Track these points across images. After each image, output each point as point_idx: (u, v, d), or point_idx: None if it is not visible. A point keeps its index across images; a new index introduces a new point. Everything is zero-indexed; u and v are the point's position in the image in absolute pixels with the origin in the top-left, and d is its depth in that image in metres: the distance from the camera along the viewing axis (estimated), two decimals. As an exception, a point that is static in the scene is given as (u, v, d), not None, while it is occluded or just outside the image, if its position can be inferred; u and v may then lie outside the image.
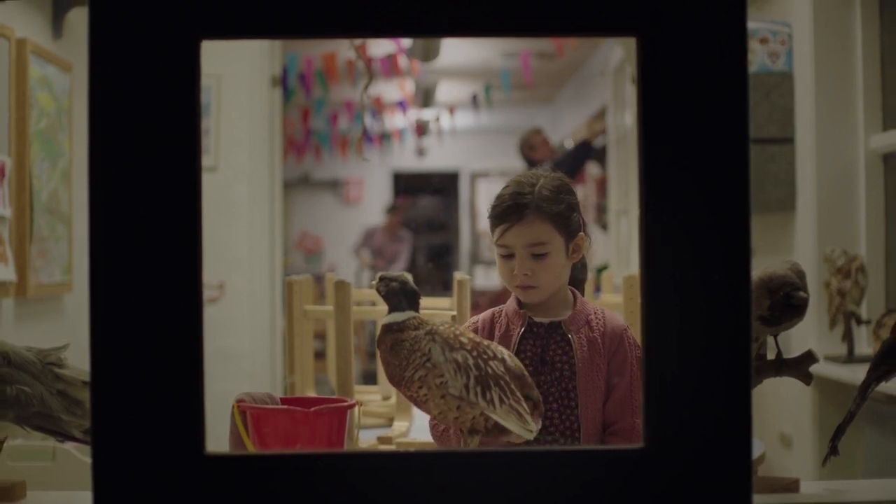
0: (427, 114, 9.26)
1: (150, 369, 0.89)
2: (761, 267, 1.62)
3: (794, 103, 3.57)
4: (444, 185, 11.80)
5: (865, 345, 3.27)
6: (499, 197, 1.89)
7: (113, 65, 0.90)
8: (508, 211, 1.85)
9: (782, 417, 3.78)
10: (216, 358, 4.25)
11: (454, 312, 2.52)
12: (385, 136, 9.68)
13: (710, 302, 0.91)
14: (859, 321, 3.16)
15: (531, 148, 6.90)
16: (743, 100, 0.91)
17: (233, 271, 4.51)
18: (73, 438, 1.61)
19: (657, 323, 0.91)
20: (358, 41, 3.18)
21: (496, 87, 7.69)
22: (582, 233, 1.89)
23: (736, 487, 0.91)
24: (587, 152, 6.91)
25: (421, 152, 11.23)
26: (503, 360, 1.63)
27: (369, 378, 6.55)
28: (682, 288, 0.91)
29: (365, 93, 2.97)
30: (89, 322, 0.89)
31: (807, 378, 1.65)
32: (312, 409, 1.68)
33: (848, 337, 3.16)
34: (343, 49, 6.41)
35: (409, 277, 1.68)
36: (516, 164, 7.50)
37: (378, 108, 8.76)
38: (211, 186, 3.22)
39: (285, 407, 1.73)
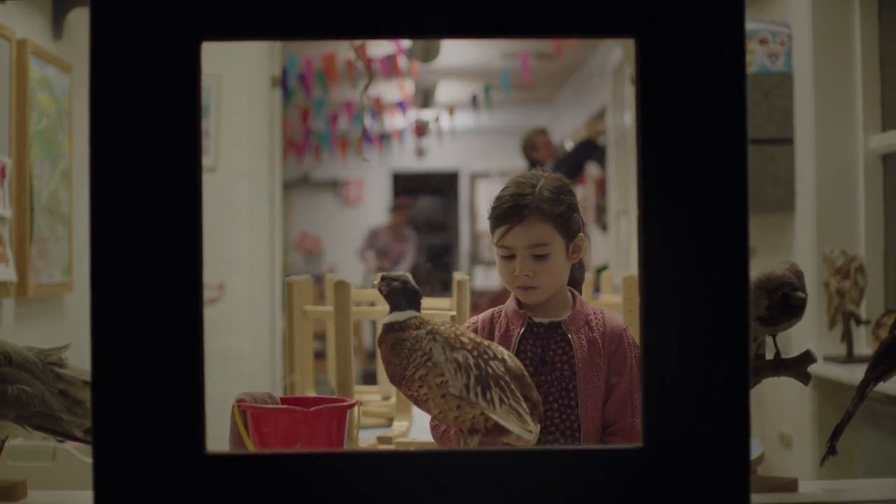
0: (427, 114, 9.26)
1: (151, 369, 0.89)
2: (760, 267, 1.63)
3: (794, 104, 3.58)
4: (443, 186, 11.81)
5: (864, 345, 3.28)
6: (499, 198, 1.89)
7: (114, 66, 0.90)
8: (509, 212, 1.85)
9: (782, 417, 3.78)
10: (216, 358, 4.25)
11: (453, 313, 2.53)
12: (385, 137, 9.68)
13: (708, 302, 0.91)
14: (858, 321, 3.17)
15: (534, 148, 6.90)
16: (741, 100, 0.91)
17: (233, 272, 4.51)
18: (74, 438, 1.61)
19: (656, 323, 0.91)
20: (357, 42, 3.19)
21: (496, 88, 7.70)
22: (581, 233, 1.90)
23: (734, 487, 0.91)
24: (590, 151, 6.91)
25: (420, 153, 11.24)
26: (503, 361, 1.63)
27: (369, 378, 6.55)
28: (681, 288, 0.91)
29: (365, 93, 2.98)
30: (90, 322, 0.89)
31: (805, 378, 1.65)
32: (312, 408, 1.68)
33: (847, 337, 3.16)
34: (343, 50, 6.41)
35: (410, 277, 1.68)
36: (516, 165, 7.51)
37: (378, 108, 8.76)
38: (211, 187, 3.22)
39: (285, 406, 1.73)
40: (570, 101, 9.18)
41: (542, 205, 1.84)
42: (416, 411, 2.65)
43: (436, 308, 3.14)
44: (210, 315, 3.49)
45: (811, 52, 3.45)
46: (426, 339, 1.61)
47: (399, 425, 2.76)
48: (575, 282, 1.96)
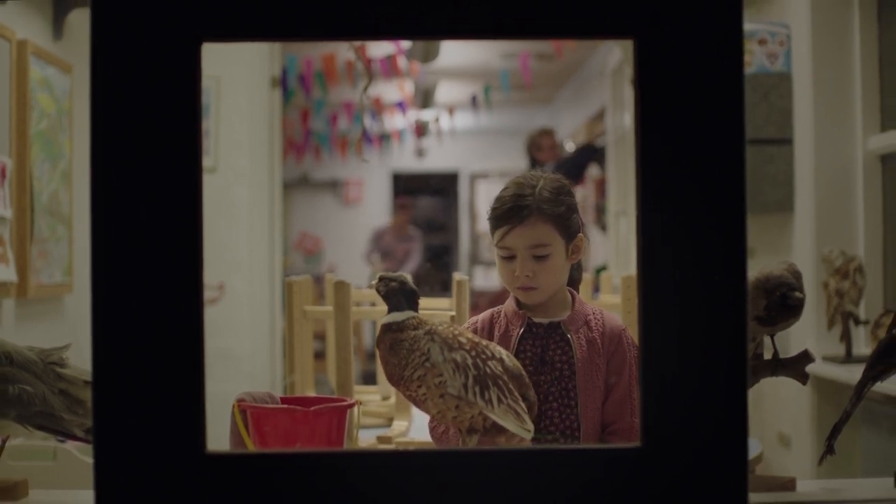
0: (426, 115, 9.26)
1: (152, 369, 0.90)
2: (758, 268, 1.63)
3: (793, 104, 3.58)
4: (443, 186, 11.81)
5: (863, 345, 3.28)
6: (499, 199, 1.89)
7: (114, 67, 0.90)
8: (510, 213, 1.85)
9: (781, 417, 3.79)
10: (216, 359, 4.25)
11: (453, 313, 2.53)
12: (384, 137, 9.68)
13: (707, 302, 0.91)
14: (857, 321, 3.17)
15: (538, 148, 6.89)
16: (739, 101, 0.92)
17: (232, 272, 4.51)
18: (75, 437, 1.62)
19: (654, 323, 0.91)
20: (357, 42, 3.19)
21: (495, 88, 7.70)
22: (581, 234, 1.90)
23: (732, 486, 0.91)
24: (591, 154, 6.91)
25: (420, 153, 11.24)
26: (501, 360, 1.64)
27: (369, 378, 6.55)
28: (679, 288, 0.91)
29: (364, 94, 2.98)
30: (91, 322, 0.89)
31: (803, 378, 1.66)
32: (312, 408, 1.69)
33: (846, 337, 3.17)
34: (342, 50, 6.42)
35: (409, 277, 1.69)
36: (516, 165, 7.51)
37: (377, 108, 8.76)
38: (211, 187, 3.22)
39: (285, 406, 1.74)
40: (569, 102, 9.19)
41: (543, 205, 1.85)
42: (416, 411, 2.65)
43: (435, 308, 3.14)
44: (210, 315, 3.49)
45: (810, 53, 3.45)
46: (424, 340, 1.62)
47: (399, 425, 2.76)
48: (573, 282, 1.96)
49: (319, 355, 3.88)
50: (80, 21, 3.63)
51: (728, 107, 0.92)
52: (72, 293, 3.59)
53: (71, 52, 3.60)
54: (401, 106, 8.52)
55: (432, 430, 1.85)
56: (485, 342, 1.66)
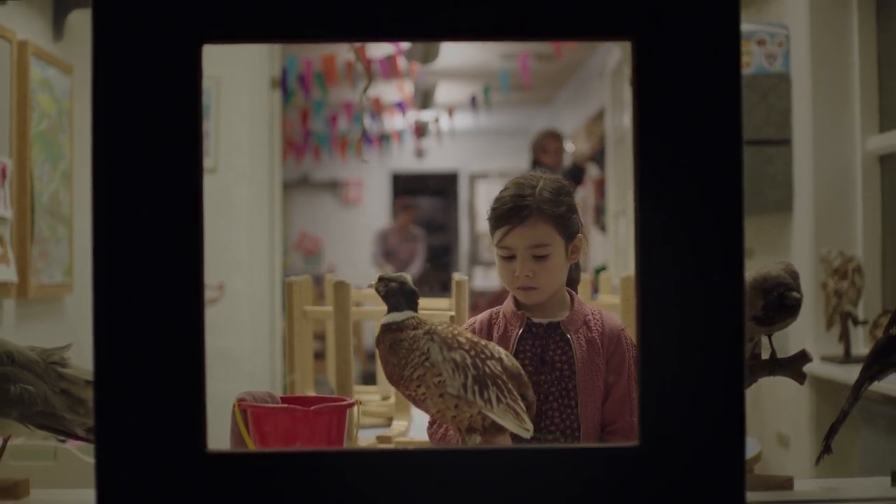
0: (426, 115, 9.26)
1: (153, 369, 0.90)
2: (756, 268, 1.64)
3: (792, 105, 3.58)
4: (443, 187, 11.81)
5: (862, 345, 3.29)
6: (499, 199, 1.90)
7: (115, 69, 0.91)
8: (510, 213, 1.86)
9: (780, 417, 3.79)
10: (216, 359, 4.26)
11: (452, 313, 2.53)
12: (384, 138, 9.68)
13: (704, 302, 0.92)
14: (856, 322, 3.18)
15: (544, 150, 6.88)
16: (736, 102, 0.92)
17: (232, 272, 4.52)
18: (77, 437, 1.62)
19: (652, 322, 0.92)
20: (357, 43, 3.20)
21: (495, 89, 7.70)
22: (580, 234, 1.91)
23: (730, 484, 0.92)
24: (577, 176, 6.91)
25: (420, 153, 11.24)
26: (500, 360, 1.64)
27: (369, 378, 6.56)
28: (677, 288, 0.92)
29: (364, 94, 2.99)
30: (93, 322, 0.90)
31: (800, 377, 1.66)
32: (312, 407, 1.69)
33: (845, 337, 3.17)
34: (342, 51, 6.42)
35: (409, 278, 1.69)
36: (515, 165, 7.51)
37: (377, 109, 8.76)
38: (211, 188, 3.22)
39: (285, 406, 1.74)
40: (569, 102, 9.19)
41: (543, 206, 1.85)
42: (416, 411, 2.65)
43: (435, 309, 3.15)
44: (210, 315, 3.49)
45: (809, 54, 3.46)
46: (424, 339, 1.62)
47: (398, 425, 2.77)
48: (572, 282, 1.97)
49: (319, 355, 3.89)
50: (80, 22, 3.64)
51: (726, 107, 0.92)
52: (72, 293, 3.60)
53: (71, 52, 3.61)
54: (400, 106, 8.52)
55: (431, 433, 1.85)
56: (484, 342, 1.67)
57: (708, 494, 0.92)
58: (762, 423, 3.92)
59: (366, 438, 2.59)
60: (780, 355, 1.68)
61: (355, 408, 1.78)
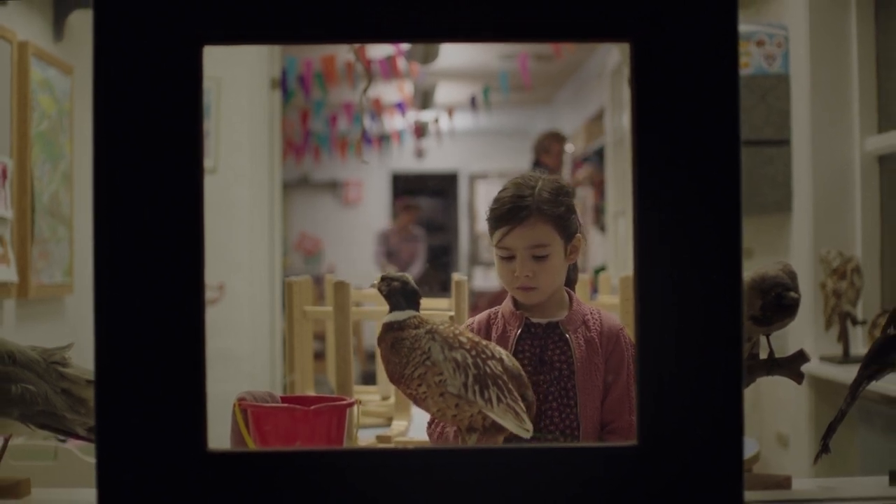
0: (426, 115, 9.26)
1: (154, 369, 0.91)
2: (754, 268, 1.64)
3: (791, 105, 3.59)
4: (442, 187, 11.81)
5: (861, 345, 3.29)
6: (498, 199, 1.90)
7: (116, 69, 0.91)
8: (509, 213, 1.86)
9: (779, 417, 3.80)
10: (216, 359, 4.25)
11: (452, 313, 2.54)
12: (384, 138, 9.68)
13: (703, 301, 0.92)
14: (855, 322, 3.18)
15: (546, 151, 6.87)
16: (735, 102, 0.93)
17: (233, 272, 4.52)
18: (77, 436, 1.63)
19: (650, 322, 0.92)
20: (357, 44, 3.20)
21: (495, 89, 7.70)
22: (579, 234, 1.91)
23: (728, 484, 0.92)
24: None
25: (420, 154, 11.24)
26: (501, 360, 1.65)
27: (368, 378, 6.56)
28: (675, 288, 0.92)
29: (364, 95, 2.99)
30: (94, 322, 0.90)
31: (798, 377, 1.67)
32: (312, 407, 1.70)
33: (843, 337, 3.17)
34: (342, 51, 6.42)
35: (410, 278, 1.70)
36: (515, 166, 7.51)
37: (377, 109, 8.76)
38: (211, 188, 3.22)
39: (285, 405, 1.75)
40: (568, 103, 9.19)
41: (542, 206, 1.86)
42: (415, 411, 2.66)
43: (434, 309, 3.15)
44: (210, 316, 3.49)
45: (808, 54, 3.46)
46: (425, 339, 1.63)
47: (398, 425, 2.77)
48: (570, 282, 1.97)
49: (319, 355, 3.89)
50: (80, 22, 3.64)
51: (724, 108, 0.93)
52: (72, 294, 3.60)
53: (71, 53, 3.61)
54: (400, 107, 8.52)
55: (430, 432, 1.86)
56: (485, 342, 1.67)
57: (706, 493, 0.92)
58: (761, 422, 3.92)
59: (365, 438, 2.60)
60: (778, 355, 1.69)
61: (355, 407, 1.79)
